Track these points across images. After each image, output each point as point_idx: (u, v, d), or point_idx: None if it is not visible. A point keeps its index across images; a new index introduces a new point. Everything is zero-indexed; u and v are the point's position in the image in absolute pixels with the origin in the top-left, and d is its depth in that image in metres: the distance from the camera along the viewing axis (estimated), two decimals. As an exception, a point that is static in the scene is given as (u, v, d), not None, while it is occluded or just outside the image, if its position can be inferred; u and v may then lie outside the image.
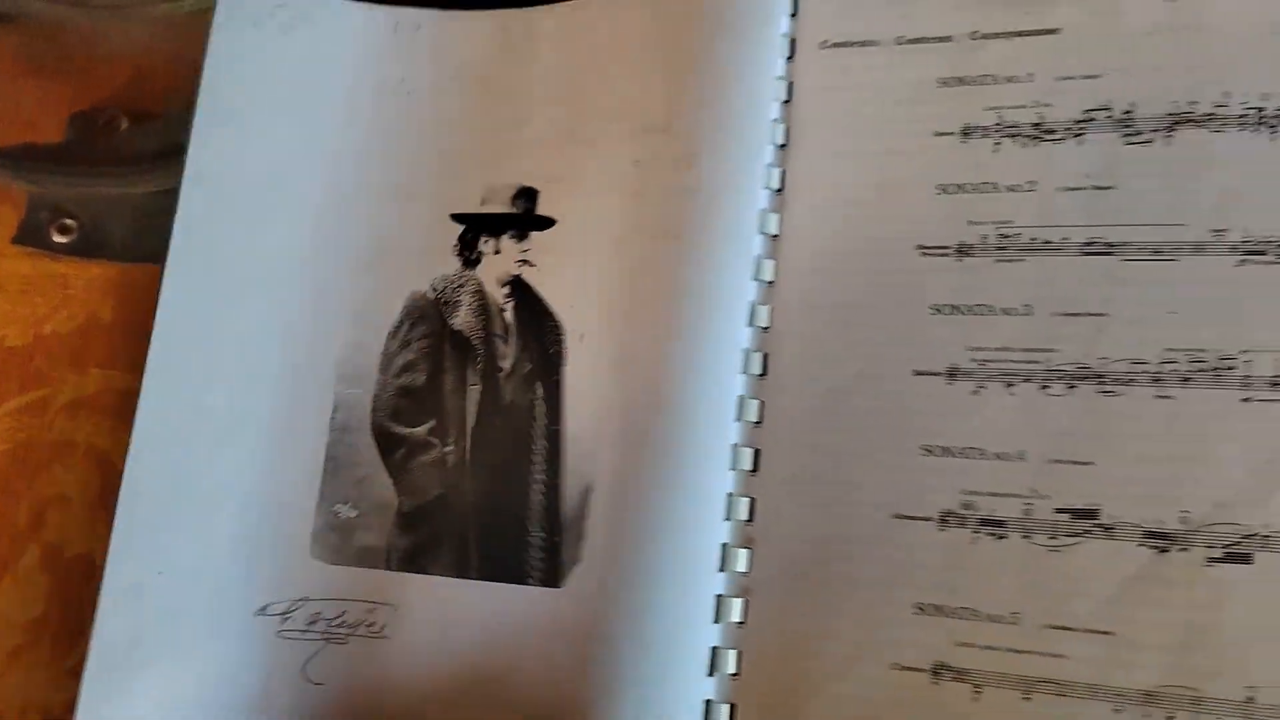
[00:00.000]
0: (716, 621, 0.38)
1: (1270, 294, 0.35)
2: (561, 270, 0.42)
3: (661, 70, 0.42)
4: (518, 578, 0.40)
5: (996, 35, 0.40)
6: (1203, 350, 0.35)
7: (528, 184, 0.43)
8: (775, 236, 0.40)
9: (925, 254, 0.39)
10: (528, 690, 0.38)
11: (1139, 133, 0.37)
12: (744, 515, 0.38)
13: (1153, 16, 0.38)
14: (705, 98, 0.41)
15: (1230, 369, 0.35)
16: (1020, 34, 0.39)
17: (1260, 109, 0.36)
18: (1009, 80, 0.39)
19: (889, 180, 0.40)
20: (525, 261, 0.43)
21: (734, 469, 0.39)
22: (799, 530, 0.38)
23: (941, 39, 0.40)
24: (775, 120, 0.41)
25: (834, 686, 0.36)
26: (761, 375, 0.39)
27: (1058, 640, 0.34)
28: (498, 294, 0.43)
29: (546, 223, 0.43)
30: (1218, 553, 0.34)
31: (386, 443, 0.42)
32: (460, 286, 0.43)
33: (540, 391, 0.42)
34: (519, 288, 0.43)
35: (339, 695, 0.40)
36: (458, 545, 0.41)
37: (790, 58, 0.42)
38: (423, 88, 0.46)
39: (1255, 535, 0.33)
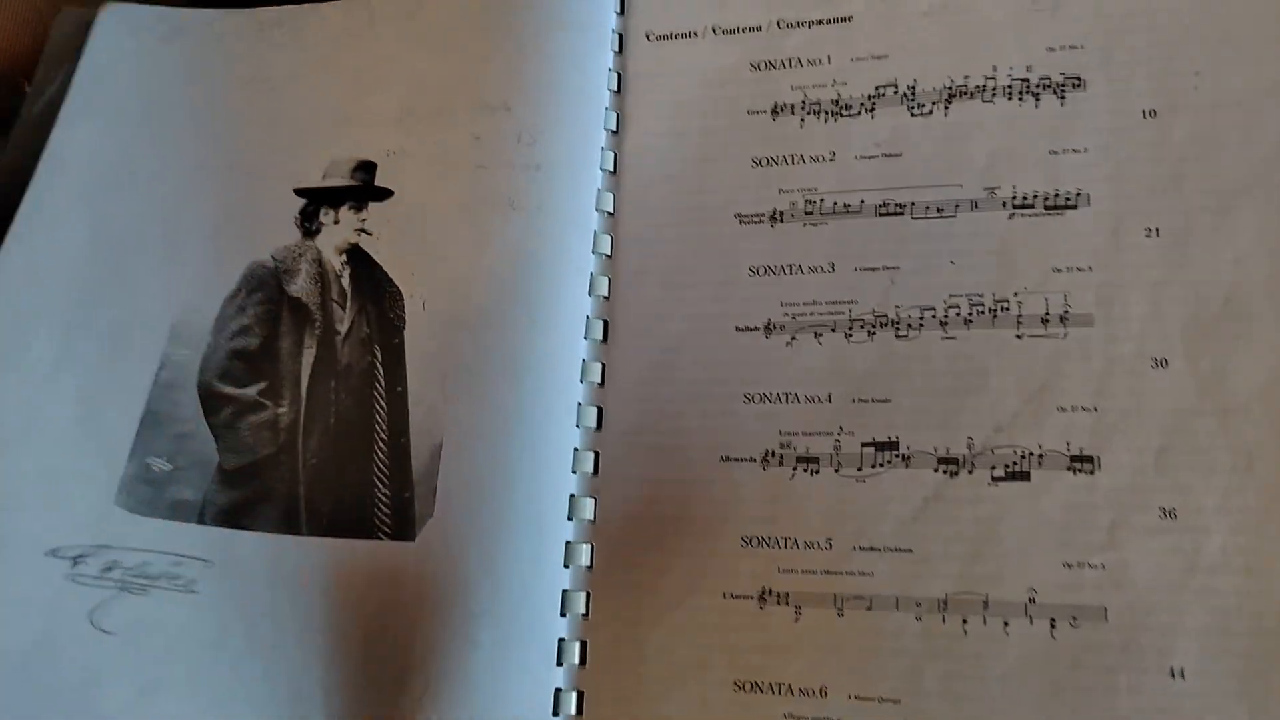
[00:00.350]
0: (567, 566, 0.41)
1: (1037, 241, 0.39)
2: (402, 239, 0.44)
3: (500, 54, 0.45)
4: (364, 533, 0.41)
5: (798, 24, 0.44)
6: (981, 295, 0.39)
7: (366, 158, 0.46)
8: (611, 213, 0.44)
9: (743, 221, 0.43)
10: (383, 639, 0.39)
11: (921, 105, 0.42)
12: (589, 468, 0.42)
13: (928, 1, 0.42)
14: (543, 82, 0.44)
15: (1005, 309, 0.39)
16: (818, 22, 0.43)
17: (1024, 79, 0.41)
18: (810, 63, 0.43)
19: (709, 156, 0.43)
20: (363, 230, 0.45)
21: (580, 426, 0.42)
22: (638, 477, 0.41)
23: (752, 28, 0.44)
24: (607, 108, 0.45)
25: (672, 617, 0.39)
26: (603, 340, 0.43)
27: (865, 560, 0.38)
28: (335, 261, 0.45)
29: (384, 194, 0.45)
30: (1000, 472, 0.38)
31: (212, 402, 0.43)
32: (299, 255, 0.45)
33: (379, 354, 0.43)
34: (356, 255, 0.45)
35: (131, 647, 0.39)
36: (286, 503, 0.42)
37: (619, 50, 0.45)
38: (279, 76, 0.48)
39: (1031, 455, 0.38)
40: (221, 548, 0.41)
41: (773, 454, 0.40)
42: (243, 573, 0.41)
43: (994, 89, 0.41)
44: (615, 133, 0.45)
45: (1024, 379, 0.38)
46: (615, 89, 0.45)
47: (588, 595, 0.40)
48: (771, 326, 0.41)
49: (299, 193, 0.46)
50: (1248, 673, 0.35)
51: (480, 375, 0.42)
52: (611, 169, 0.44)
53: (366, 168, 0.46)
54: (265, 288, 0.45)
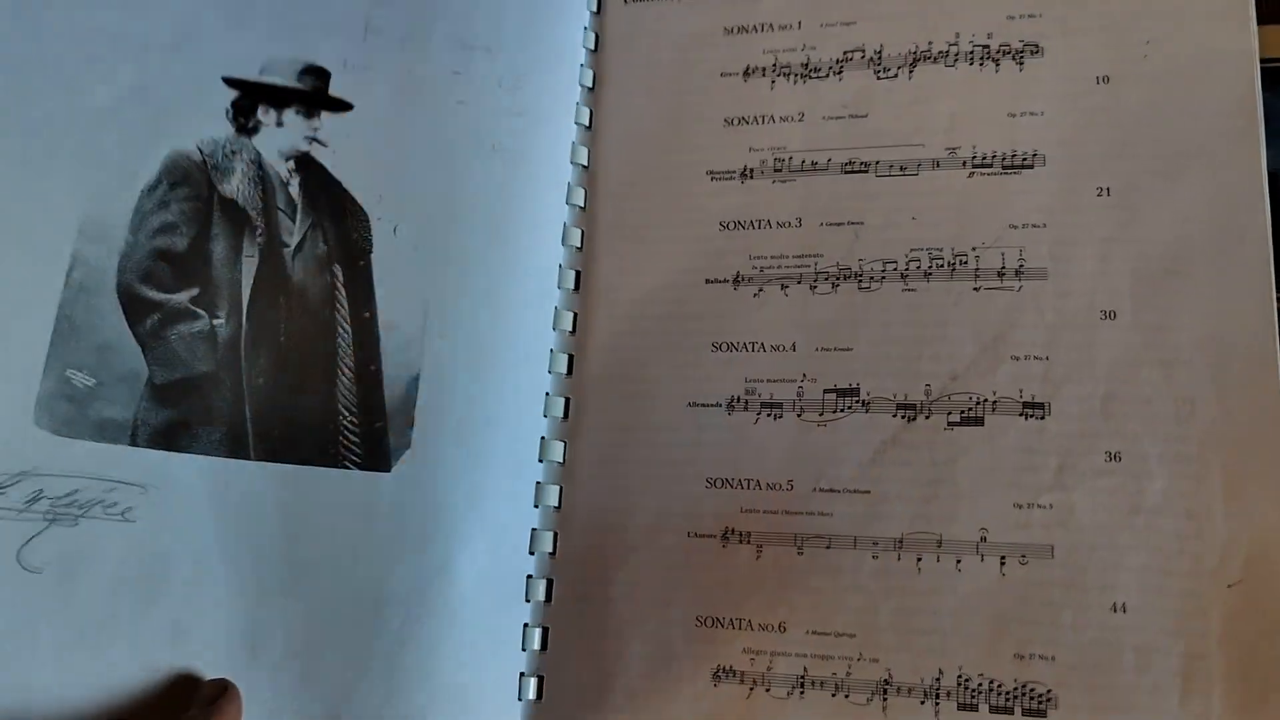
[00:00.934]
0: (536, 506, 0.42)
1: (995, 199, 0.41)
2: (366, 159, 0.42)
3: None
4: (328, 461, 0.40)
5: (771, -11, 0.45)
6: (940, 249, 0.41)
7: (316, 62, 0.43)
8: (586, 167, 0.45)
9: (715, 178, 0.44)
10: (355, 571, 0.39)
11: (887, 69, 0.43)
12: (560, 413, 0.43)
13: (898, -30, 0.44)
14: (526, 31, 0.45)
15: (964, 263, 0.41)
16: (790, -13, 0.45)
17: (985, 46, 0.43)
18: (782, 28, 0.45)
19: (683, 116, 0.45)
20: (315, 140, 0.42)
21: (551, 371, 0.43)
22: (607, 422, 0.42)
23: (726, -7, 0.46)
24: (584, 65, 0.46)
25: (638, 556, 0.41)
26: (575, 289, 0.44)
27: (825, 501, 0.40)
28: (280, 167, 0.42)
29: (342, 105, 0.43)
30: (955, 417, 0.39)
31: (135, 307, 0.39)
32: (233, 153, 0.41)
33: (341, 275, 0.42)
34: (307, 164, 0.42)
35: (66, 585, 0.36)
36: (230, 424, 0.39)
37: (597, 11, 0.47)
38: None
39: (985, 401, 0.39)
40: (158, 472, 0.38)
41: (738, 400, 0.41)
42: (184, 499, 0.38)
43: (956, 54, 0.43)
44: (591, 90, 0.46)
45: (980, 329, 0.40)
46: (593, 48, 0.46)
47: (555, 535, 0.41)
48: (740, 278, 0.43)
49: (230, 83, 0.42)
50: (1185, 610, 0.36)
51: (462, 310, 0.42)
52: (587, 124, 0.45)
53: (318, 73, 0.43)
54: (191, 182, 0.41)
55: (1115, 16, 0.42)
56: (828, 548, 0.39)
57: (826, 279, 0.42)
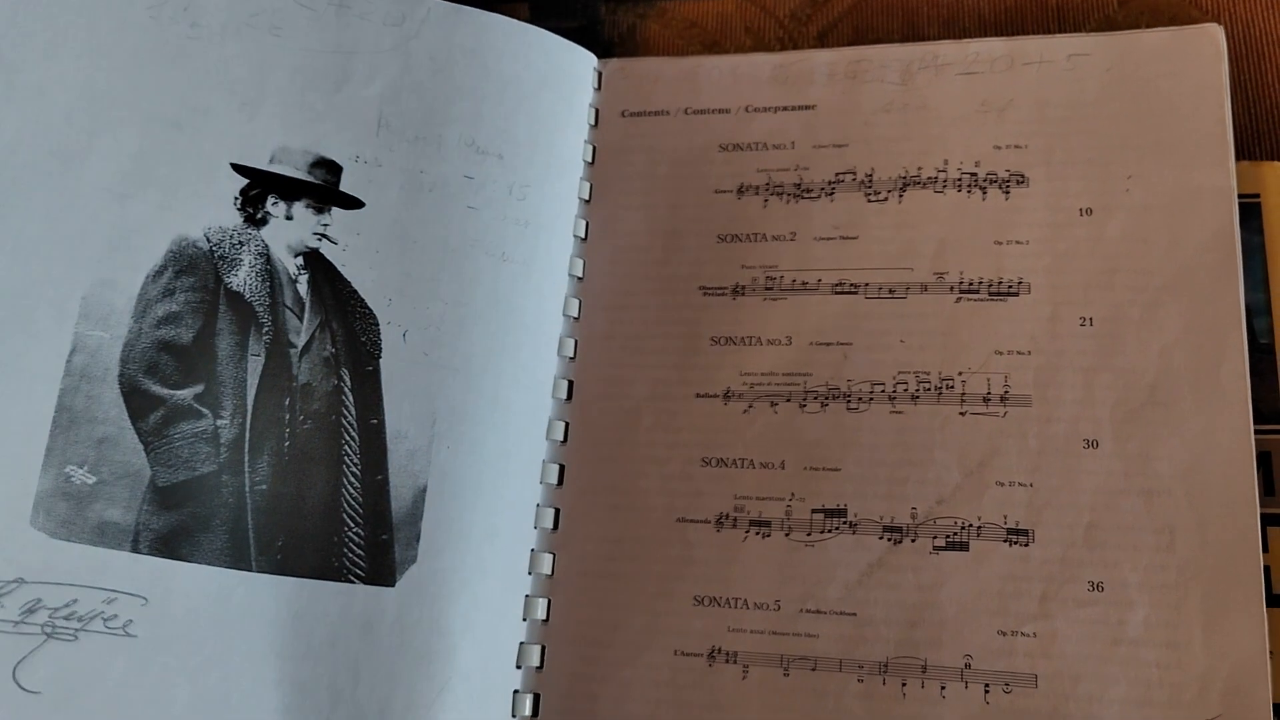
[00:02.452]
0: (524, 619, 0.42)
1: (982, 324, 0.42)
2: (377, 259, 0.42)
3: (496, 102, 0.45)
4: (331, 574, 0.39)
5: (765, 109, 0.46)
6: (928, 373, 0.42)
7: (328, 155, 0.43)
8: (580, 278, 0.46)
9: (706, 293, 0.45)
10: (356, 691, 0.38)
11: (877, 192, 0.44)
12: (549, 524, 0.43)
13: (887, 97, 0.45)
14: (534, 140, 0.45)
15: (950, 387, 0.41)
16: (784, 109, 0.46)
17: (973, 174, 0.44)
18: (775, 147, 0.46)
19: (676, 230, 0.46)
20: (324, 236, 0.42)
21: (542, 482, 0.43)
22: (596, 534, 0.42)
23: (721, 110, 0.47)
24: (581, 177, 0.47)
25: (624, 672, 0.41)
26: (567, 399, 0.44)
27: (811, 622, 0.40)
28: (289, 262, 0.41)
29: (354, 203, 0.42)
30: (940, 541, 0.40)
31: (139, 402, 0.38)
32: (241, 244, 0.40)
33: (348, 380, 0.41)
34: (317, 262, 0.42)
35: (63, 707, 0.34)
36: (231, 532, 0.38)
37: (594, 124, 0.48)
38: (213, 25, 0.43)
39: (970, 526, 0.40)
40: (159, 582, 0.37)
41: (727, 517, 0.42)
42: (185, 612, 0.37)
43: (945, 181, 0.44)
44: (587, 201, 0.47)
45: (965, 454, 0.41)
46: (590, 160, 0.47)
47: (543, 649, 0.41)
48: (730, 394, 0.43)
49: (238, 169, 0.41)
50: (1166, 742, 0.37)
51: (468, 421, 0.41)
52: (584, 236, 0.46)
53: (330, 167, 0.42)
54: (198, 271, 0.40)
55: (1098, 150, 0.43)
56: (813, 669, 0.39)
57: (815, 398, 0.42)
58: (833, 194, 0.45)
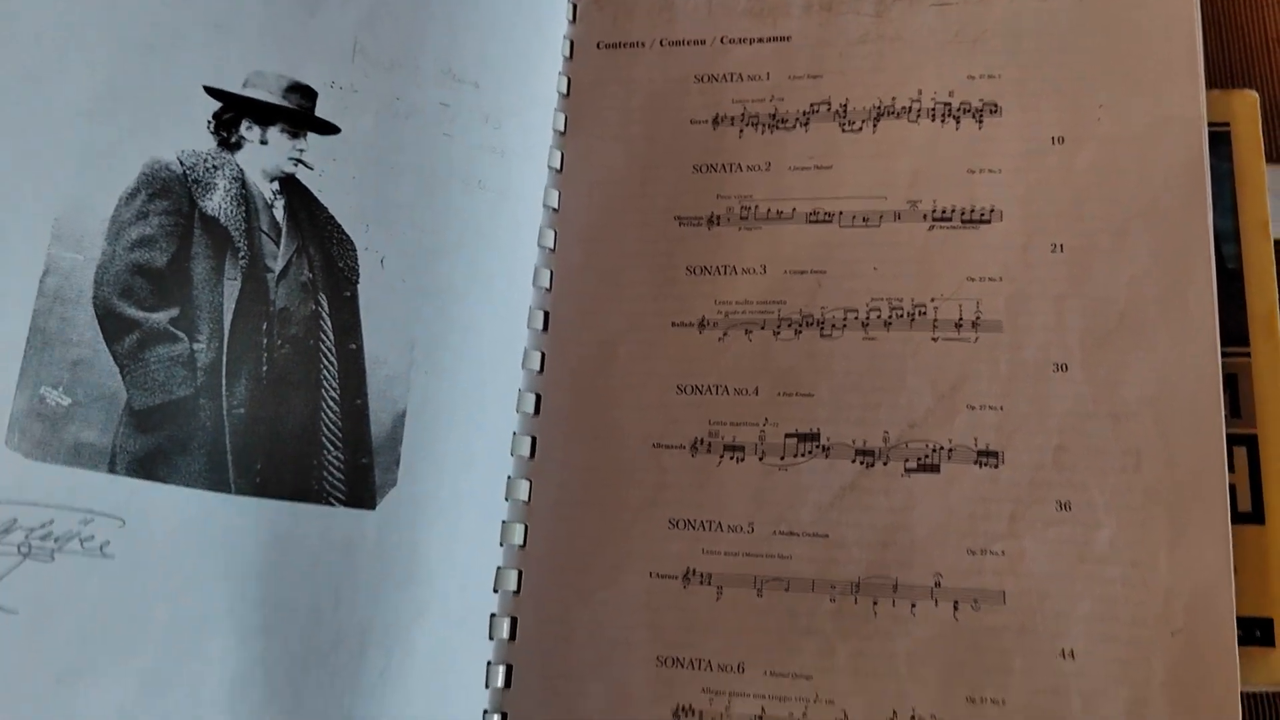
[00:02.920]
0: (501, 544, 0.42)
1: (954, 252, 0.42)
2: (356, 186, 0.42)
3: (472, 29, 0.45)
4: (311, 497, 0.39)
5: (740, 40, 0.46)
6: (900, 299, 0.42)
7: (303, 80, 0.42)
8: (556, 210, 0.46)
9: (682, 224, 0.45)
10: (337, 612, 0.38)
11: (852, 123, 0.44)
12: (526, 452, 0.43)
13: (862, 28, 0.45)
14: (509, 69, 0.45)
15: (923, 314, 0.42)
16: (759, 40, 0.46)
17: (947, 104, 0.44)
18: (751, 78, 0.46)
19: (652, 161, 0.46)
20: (301, 162, 0.42)
21: (519, 411, 0.43)
22: (573, 461, 0.43)
23: (697, 42, 0.47)
24: (556, 109, 0.47)
25: (600, 595, 0.41)
26: (544, 330, 0.44)
27: (784, 544, 0.40)
28: (265, 188, 0.41)
29: (329, 128, 0.42)
30: (912, 464, 0.40)
31: (113, 325, 0.37)
32: (215, 168, 0.40)
33: (326, 305, 0.41)
34: (293, 187, 0.41)
35: (42, 627, 0.34)
36: (209, 454, 0.38)
37: (570, 57, 0.48)
38: None
39: (941, 449, 0.40)
40: (137, 503, 0.37)
41: (701, 442, 0.42)
42: (163, 534, 0.37)
43: (919, 111, 0.44)
44: (563, 133, 0.47)
45: (937, 379, 0.41)
46: (565, 92, 0.47)
47: (519, 574, 0.42)
48: (705, 323, 0.44)
49: (211, 92, 0.40)
50: (1130, 657, 0.37)
51: (446, 348, 0.42)
52: (559, 167, 0.46)
53: (305, 93, 0.42)
54: (171, 195, 0.39)
55: (1071, 80, 0.43)
56: (786, 590, 0.40)
57: (789, 325, 0.43)
58: (807, 124, 0.45)
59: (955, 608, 0.39)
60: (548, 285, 0.45)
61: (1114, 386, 0.40)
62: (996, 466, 0.40)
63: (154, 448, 0.37)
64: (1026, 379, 0.40)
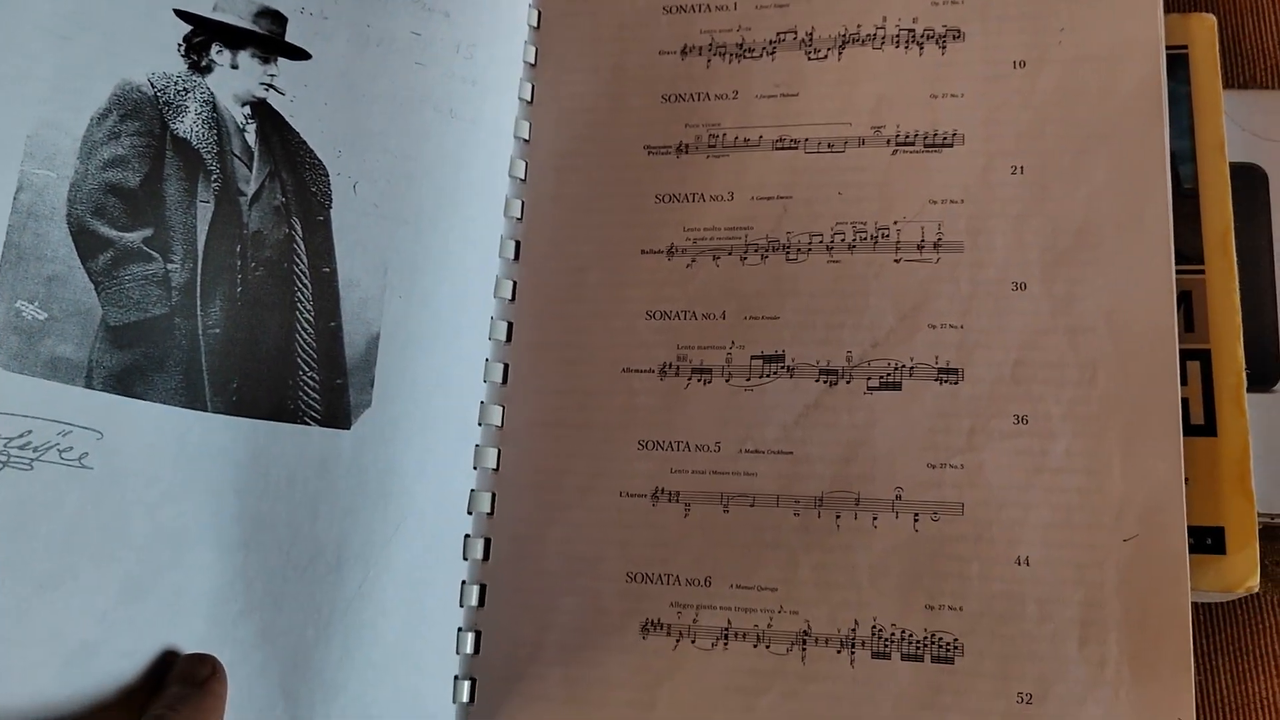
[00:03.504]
0: (475, 467, 0.43)
1: (917, 176, 0.43)
2: (325, 112, 0.42)
3: None
4: (286, 416, 0.40)
5: (708, -29, 0.47)
6: (864, 223, 0.43)
7: (273, 6, 0.42)
8: (527, 140, 0.46)
9: (651, 153, 0.45)
10: (314, 528, 0.39)
11: (818, 50, 0.45)
12: (498, 378, 0.44)
13: (829, -44, 0.46)
14: (479, 1, 0.46)
15: (886, 236, 0.43)
16: (726, -30, 0.47)
17: (910, 30, 0.44)
18: (718, 9, 0.46)
19: (622, 92, 0.46)
20: (272, 87, 0.42)
21: (491, 338, 0.44)
22: (545, 386, 0.44)
23: (665, -27, 0.47)
24: (526, 41, 0.47)
25: (571, 515, 0.42)
26: (515, 259, 0.45)
27: (750, 461, 0.41)
28: (236, 112, 0.41)
29: (300, 54, 0.42)
30: (875, 382, 0.41)
31: (87, 242, 0.38)
32: (186, 91, 0.40)
33: (299, 229, 0.41)
34: (264, 112, 0.41)
35: (21, 535, 0.34)
36: (185, 372, 0.39)
37: (540, -11, 0.48)
38: None
39: (903, 367, 0.41)
40: (114, 417, 0.37)
41: (670, 366, 0.43)
42: (141, 448, 0.37)
43: (883, 37, 0.45)
44: (533, 65, 0.47)
45: (899, 299, 0.42)
46: (535, 24, 0.48)
47: (493, 496, 0.43)
48: (674, 249, 0.44)
49: (181, 15, 0.40)
50: (1084, 562, 0.38)
51: (420, 272, 0.43)
52: (529, 99, 0.47)
53: (275, 18, 0.42)
54: (143, 116, 0.39)
55: (1032, 4, 0.44)
56: (752, 506, 0.41)
57: (756, 250, 0.43)
58: (774, 53, 0.45)
59: (915, 520, 0.40)
60: (518, 215, 0.46)
61: (1071, 302, 0.41)
62: (956, 383, 0.41)
63: (130, 364, 0.38)
64: (986, 297, 0.41)
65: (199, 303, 0.39)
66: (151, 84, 0.40)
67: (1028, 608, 0.38)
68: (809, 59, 0.45)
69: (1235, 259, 0.42)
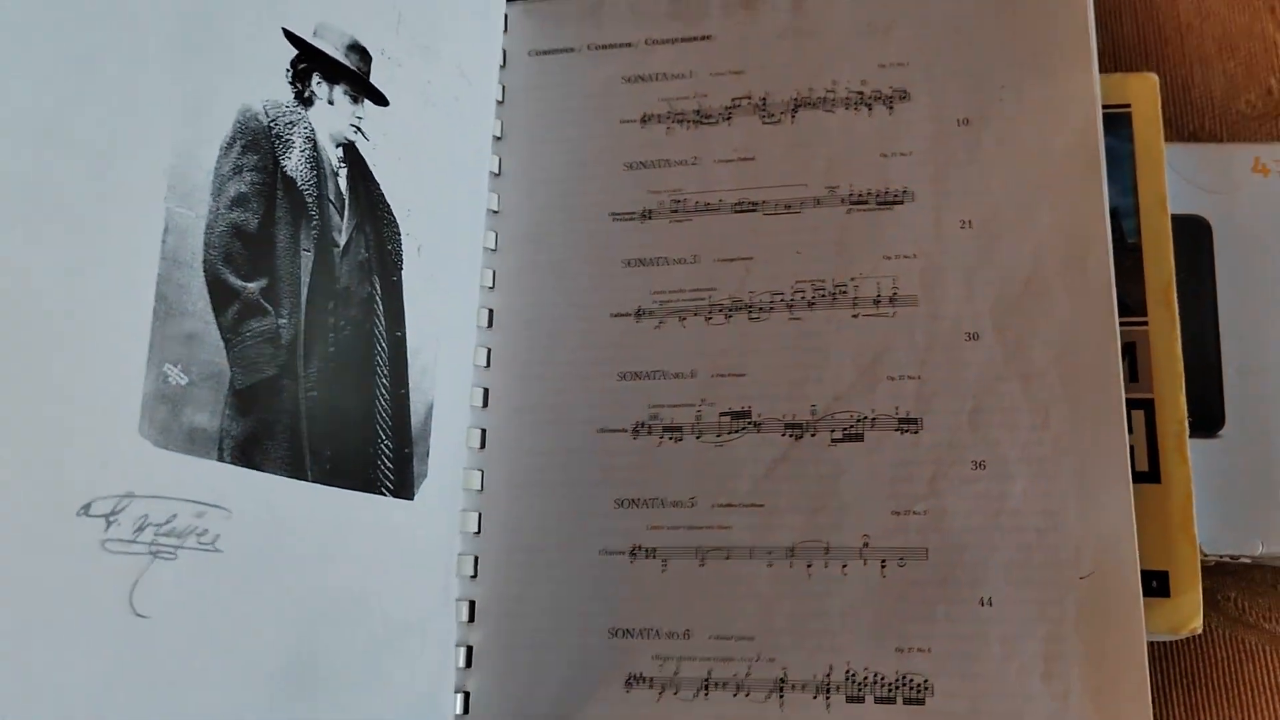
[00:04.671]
0: (459, 532, 0.45)
1: (871, 233, 0.45)
2: (400, 166, 0.41)
3: (483, 30, 0.48)
4: (369, 486, 0.38)
5: (664, 41, 0.49)
6: (823, 280, 0.45)
7: (361, 41, 0.40)
8: (495, 211, 0.48)
9: (617, 219, 0.47)
10: (381, 598, 0.40)
11: (772, 115, 0.47)
12: (476, 443, 0.45)
13: (780, 24, 0.48)
14: (488, 73, 0.48)
15: (844, 292, 0.44)
16: (682, 40, 0.49)
17: (860, 92, 0.46)
18: (676, 77, 0.48)
19: (586, 160, 0.48)
20: (360, 130, 0.39)
21: (470, 404, 0.46)
22: (522, 449, 0.45)
23: (624, 45, 0.49)
24: (495, 116, 0.49)
25: (553, 573, 0.44)
26: (489, 326, 0.47)
27: (723, 515, 0.43)
28: (331, 153, 0.38)
29: (381, 99, 0.40)
30: (838, 434, 0.43)
31: (220, 294, 0.33)
32: (292, 124, 0.37)
33: (379, 287, 0.39)
34: (354, 158, 0.39)
35: (166, 633, 0.31)
36: (290, 439, 0.35)
37: (504, 65, 0.50)
38: None
39: (865, 418, 0.43)
40: (240, 492, 0.34)
41: (643, 425, 0.45)
42: (260, 524, 0.34)
43: (834, 100, 0.47)
44: (499, 139, 0.49)
45: (859, 353, 0.44)
46: (500, 99, 0.49)
47: (475, 559, 0.44)
48: (642, 312, 0.46)
49: (290, 37, 0.37)
50: (1045, 599, 0.40)
51: (457, 342, 0.44)
52: (497, 171, 0.48)
53: (363, 55, 0.39)
54: (260, 149, 0.35)
55: (974, 64, 0.46)
56: (727, 558, 0.43)
57: (721, 310, 0.45)
58: (730, 119, 0.47)
59: (883, 566, 0.41)
60: (490, 284, 0.47)
61: (1022, 350, 0.42)
62: (917, 432, 0.42)
63: (251, 431, 0.34)
64: (942, 348, 0.43)
65: (301, 362, 0.36)
66: (266, 112, 0.36)
67: (993, 646, 0.40)
68: (764, 123, 0.47)
69: (1177, 311, 0.44)
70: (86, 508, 0.29)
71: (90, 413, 0.30)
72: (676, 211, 0.47)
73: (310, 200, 0.37)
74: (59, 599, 0.29)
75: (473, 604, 0.44)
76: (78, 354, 0.30)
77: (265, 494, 0.35)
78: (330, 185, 0.38)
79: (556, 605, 0.43)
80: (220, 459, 0.33)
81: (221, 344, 0.34)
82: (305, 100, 0.38)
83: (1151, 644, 0.39)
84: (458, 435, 0.44)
